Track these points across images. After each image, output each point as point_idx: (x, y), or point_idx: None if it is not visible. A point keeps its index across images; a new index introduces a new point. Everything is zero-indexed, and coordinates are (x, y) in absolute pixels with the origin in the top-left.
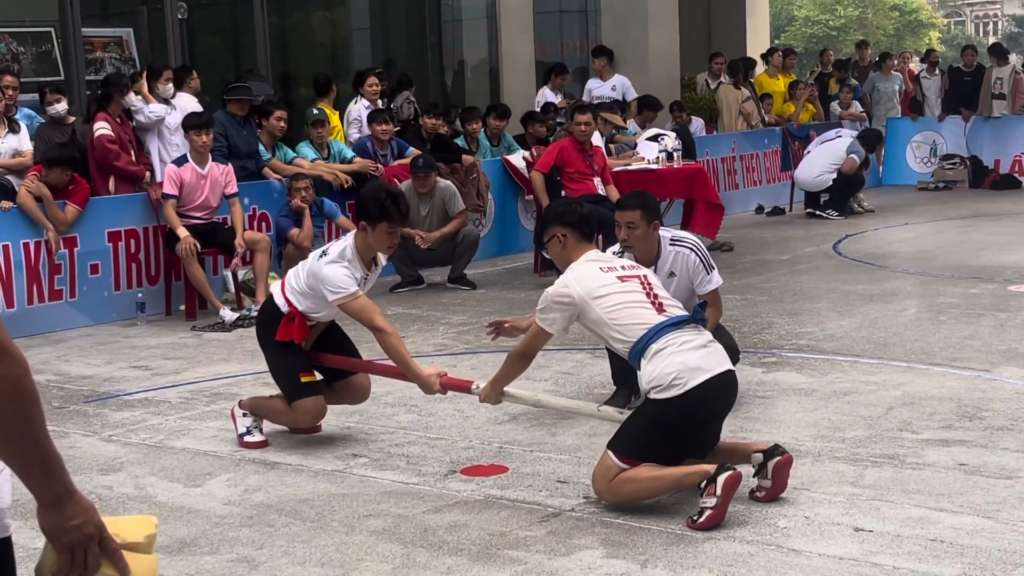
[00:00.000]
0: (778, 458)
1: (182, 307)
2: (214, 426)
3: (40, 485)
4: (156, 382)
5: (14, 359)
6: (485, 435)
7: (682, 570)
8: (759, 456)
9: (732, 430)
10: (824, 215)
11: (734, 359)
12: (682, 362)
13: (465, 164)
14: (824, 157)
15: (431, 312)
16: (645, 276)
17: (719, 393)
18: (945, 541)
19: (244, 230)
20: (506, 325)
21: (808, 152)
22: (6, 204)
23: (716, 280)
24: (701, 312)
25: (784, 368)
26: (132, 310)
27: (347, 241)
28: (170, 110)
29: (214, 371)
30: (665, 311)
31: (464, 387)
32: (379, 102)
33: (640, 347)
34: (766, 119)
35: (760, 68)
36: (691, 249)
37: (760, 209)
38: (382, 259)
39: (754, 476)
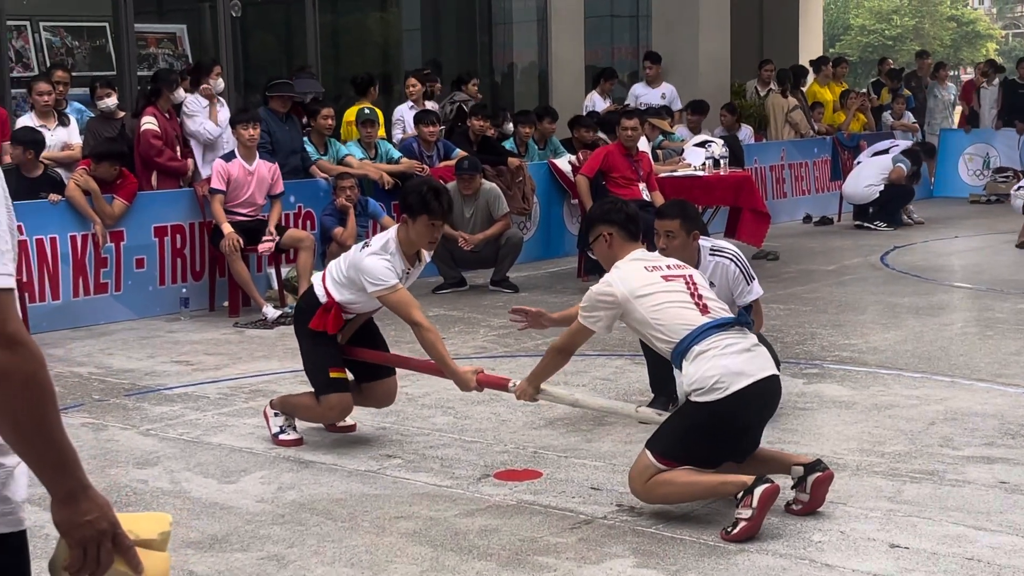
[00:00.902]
0: (819, 473)
1: (226, 303)
2: (251, 423)
3: (53, 480)
4: (196, 377)
5: (30, 352)
6: (520, 439)
7: None
8: (800, 469)
9: (771, 441)
10: (872, 226)
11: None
12: (724, 365)
13: (511, 167)
14: (872, 169)
15: (472, 314)
16: (691, 276)
17: (761, 399)
18: (982, 560)
19: (278, 225)
20: (532, 312)
21: (858, 163)
22: (54, 197)
23: (756, 291)
24: (747, 315)
25: (826, 380)
26: (176, 305)
27: (390, 234)
28: (222, 130)
29: (254, 368)
30: (709, 312)
31: (501, 384)
32: (424, 103)
33: (683, 348)
34: (816, 128)
35: (811, 77)
36: (731, 259)
37: (808, 218)
38: (426, 256)
39: (792, 488)
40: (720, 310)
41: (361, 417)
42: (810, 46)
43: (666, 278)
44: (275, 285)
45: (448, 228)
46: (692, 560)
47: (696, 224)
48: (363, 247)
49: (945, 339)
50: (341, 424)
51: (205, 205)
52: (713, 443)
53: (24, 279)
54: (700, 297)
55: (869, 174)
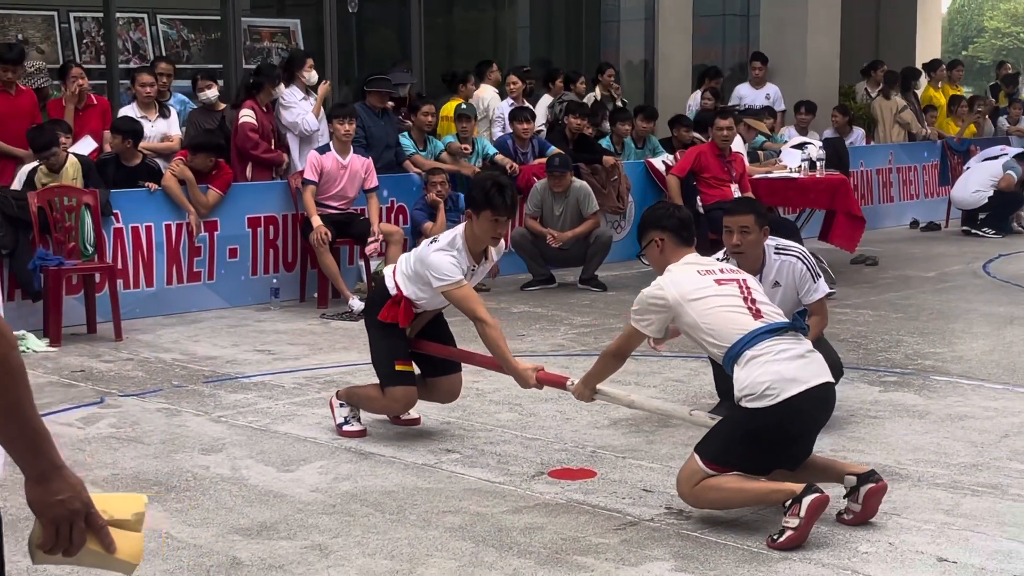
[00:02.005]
0: (872, 484)
1: (316, 294)
2: (320, 413)
3: (26, 460)
4: (275, 367)
5: (1, 335)
6: (581, 438)
7: None
8: (852, 479)
9: (834, 448)
10: (980, 233)
11: (836, 374)
12: (777, 371)
13: (606, 165)
14: (982, 174)
15: (556, 312)
16: (745, 280)
17: (813, 407)
18: None
19: (380, 222)
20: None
21: (967, 168)
22: (152, 186)
23: (823, 289)
24: (801, 320)
25: (903, 388)
26: (267, 295)
27: (458, 231)
28: (318, 126)
29: (333, 359)
30: (763, 317)
31: (560, 383)
32: (523, 100)
33: (734, 353)
34: (928, 131)
35: (924, 79)
36: (797, 257)
37: (915, 224)
38: (494, 254)
39: (844, 498)
40: (774, 314)
41: (427, 410)
42: (928, 48)
43: (719, 282)
44: (364, 278)
45: (537, 225)
46: (731, 566)
47: (767, 220)
48: (431, 242)
49: None
50: (405, 417)
51: (298, 197)
52: (762, 450)
53: (119, 266)
54: (753, 301)
55: (978, 179)
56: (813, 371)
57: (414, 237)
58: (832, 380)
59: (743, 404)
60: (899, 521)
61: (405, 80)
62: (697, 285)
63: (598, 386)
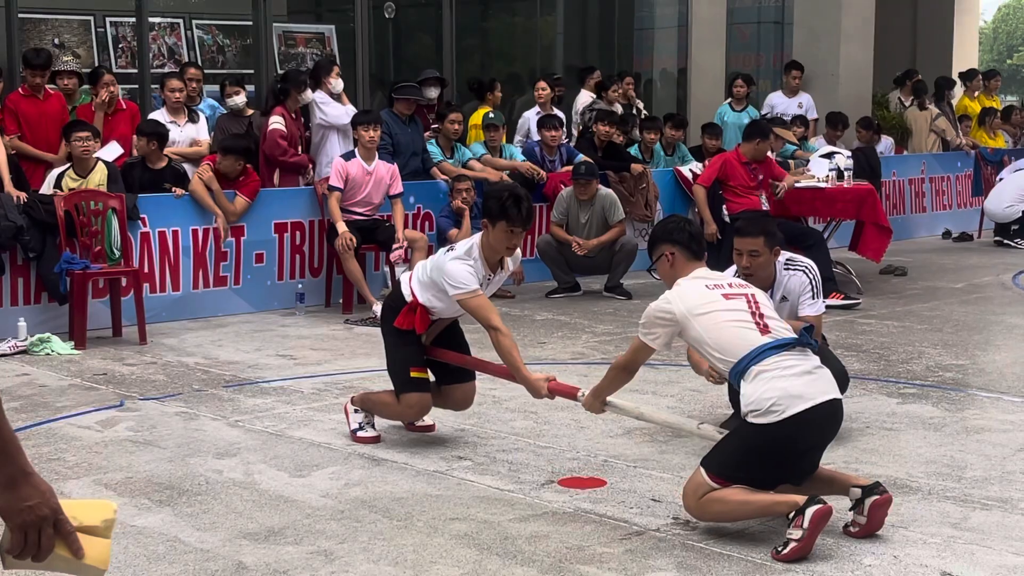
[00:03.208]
0: (876, 496)
1: (341, 300)
2: (336, 418)
3: None
4: (296, 372)
5: None
6: (594, 447)
7: None
8: (857, 492)
9: (847, 460)
10: (1013, 244)
11: (843, 385)
12: (783, 388)
13: (634, 173)
14: (1015, 187)
15: (579, 320)
16: (753, 295)
17: (820, 423)
18: None
19: (404, 228)
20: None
21: (1000, 179)
22: (178, 191)
23: (818, 307)
24: (808, 336)
25: (920, 400)
26: (293, 300)
27: (475, 240)
28: (349, 113)
29: (355, 365)
30: (770, 332)
31: (571, 393)
32: (551, 108)
33: (741, 367)
34: (963, 141)
35: (959, 89)
36: (802, 271)
37: (947, 234)
38: (510, 264)
39: (850, 511)
40: (782, 330)
41: (442, 417)
42: (966, 57)
43: (727, 296)
44: (389, 284)
45: (563, 232)
46: None
47: (777, 240)
48: (448, 251)
49: None
50: (420, 423)
51: (324, 203)
52: (768, 465)
53: (146, 270)
54: (761, 316)
55: (1011, 191)
56: (820, 388)
57: (439, 243)
58: (840, 396)
59: (749, 419)
60: (905, 534)
61: (432, 94)
62: (704, 300)
63: (608, 398)
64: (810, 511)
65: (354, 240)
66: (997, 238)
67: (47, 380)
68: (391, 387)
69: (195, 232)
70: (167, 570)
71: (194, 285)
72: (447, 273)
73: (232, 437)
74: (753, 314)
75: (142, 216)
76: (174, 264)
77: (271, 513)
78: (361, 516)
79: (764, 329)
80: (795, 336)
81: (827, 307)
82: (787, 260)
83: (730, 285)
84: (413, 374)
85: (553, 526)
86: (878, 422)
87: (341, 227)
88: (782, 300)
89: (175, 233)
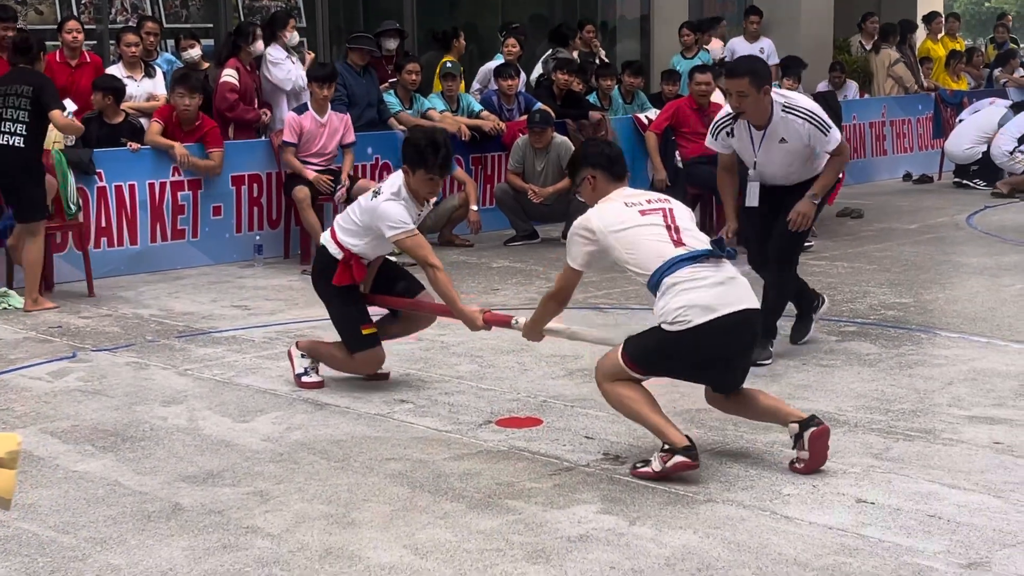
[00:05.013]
0: (813, 428)
1: (299, 251)
2: (284, 365)
3: None
4: (249, 321)
5: None
6: (534, 388)
7: (667, 529)
8: (795, 427)
9: (779, 396)
10: (972, 184)
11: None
12: (691, 299)
13: (592, 120)
14: (974, 129)
15: (535, 267)
16: (670, 209)
17: (728, 333)
18: (943, 518)
19: (350, 175)
20: None
21: (960, 121)
22: (134, 145)
23: (835, 138)
24: (721, 246)
25: (859, 338)
26: (251, 252)
27: (399, 180)
28: (292, 79)
29: (307, 314)
30: (684, 244)
31: (505, 321)
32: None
33: (655, 280)
34: (925, 84)
35: (922, 32)
36: (804, 118)
37: (908, 176)
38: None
39: (793, 448)
40: (696, 242)
41: (388, 362)
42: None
43: (643, 212)
44: None
45: (519, 181)
46: (655, 508)
47: (765, 80)
48: (374, 196)
49: (998, 300)
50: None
51: (281, 155)
52: (676, 367)
53: (103, 224)
54: (677, 230)
55: (970, 133)
56: (734, 297)
57: None
58: (756, 306)
59: (660, 327)
60: (827, 465)
61: (391, 45)
62: (621, 217)
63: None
64: (675, 460)
65: (330, 180)
66: (957, 179)
67: (2, 333)
68: (337, 338)
69: (152, 186)
70: (105, 512)
71: (152, 239)
72: (382, 215)
73: (180, 385)
74: (668, 228)
75: (98, 171)
76: (131, 218)
77: (211, 457)
78: (299, 458)
79: (678, 242)
80: (708, 248)
81: None
82: (786, 105)
83: (648, 201)
84: (365, 331)
85: (486, 464)
86: (815, 359)
87: (311, 174)
88: (781, 141)
89: (132, 187)
